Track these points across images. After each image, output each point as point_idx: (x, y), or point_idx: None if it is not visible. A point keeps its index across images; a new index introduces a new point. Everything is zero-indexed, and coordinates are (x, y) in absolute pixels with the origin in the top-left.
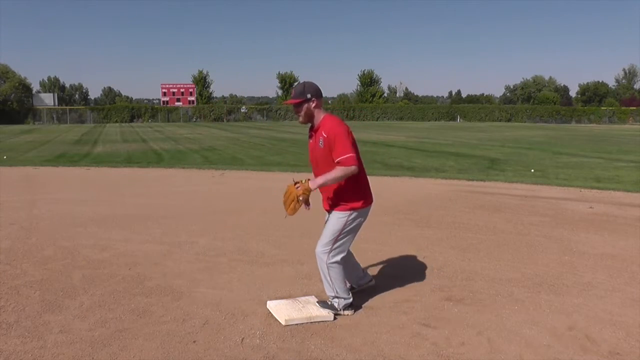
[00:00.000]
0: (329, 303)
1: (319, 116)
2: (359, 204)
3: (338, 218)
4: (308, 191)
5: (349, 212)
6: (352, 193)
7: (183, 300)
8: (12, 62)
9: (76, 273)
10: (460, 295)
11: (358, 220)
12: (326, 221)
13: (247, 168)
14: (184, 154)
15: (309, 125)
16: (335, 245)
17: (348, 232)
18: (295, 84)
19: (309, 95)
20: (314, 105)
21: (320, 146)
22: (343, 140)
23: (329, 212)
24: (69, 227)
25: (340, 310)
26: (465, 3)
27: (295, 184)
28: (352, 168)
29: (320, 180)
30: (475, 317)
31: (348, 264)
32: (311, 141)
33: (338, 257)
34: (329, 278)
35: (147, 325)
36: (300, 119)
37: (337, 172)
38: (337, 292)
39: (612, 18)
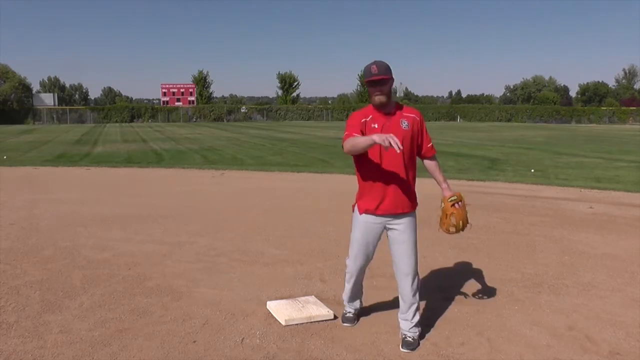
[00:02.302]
0: (413, 339)
1: (393, 100)
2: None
3: (415, 220)
4: (461, 197)
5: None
6: (414, 189)
7: (183, 300)
8: (12, 62)
9: (76, 273)
10: (460, 295)
11: None
12: (374, 232)
13: (247, 168)
14: (184, 154)
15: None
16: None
17: None
18: (369, 63)
19: (392, 75)
20: (392, 86)
21: (404, 128)
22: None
23: (394, 216)
24: (69, 227)
25: (419, 339)
26: (465, 3)
27: (453, 204)
28: None
29: (444, 178)
30: (475, 317)
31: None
32: (377, 126)
33: None
34: (417, 300)
35: (147, 325)
36: (384, 98)
37: (437, 162)
38: (419, 317)
39: (612, 18)
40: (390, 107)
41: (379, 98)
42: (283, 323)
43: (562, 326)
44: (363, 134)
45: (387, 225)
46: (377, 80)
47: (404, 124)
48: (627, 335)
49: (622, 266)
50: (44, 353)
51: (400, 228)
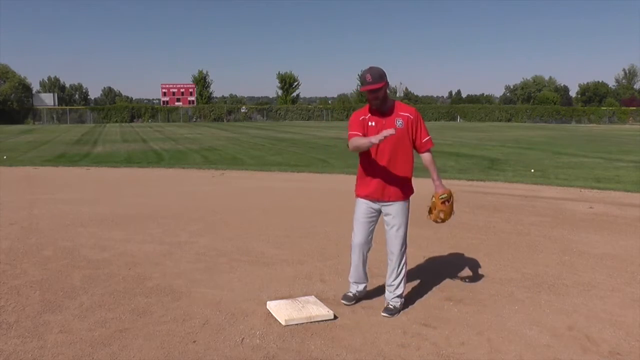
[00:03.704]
0: (393, 307)
1: (390, 100)
2: (412, 192)
3: (406, 208)
4: (450, 194)
5: (409, 200)
6: (410, 181)
7: (183, 300)
8: (12, 62)
9: (76, 273)
10: (460, 295)
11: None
12: (369, 215)
13: (247, 168)
14: (184, 154)
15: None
16: (407, 238)
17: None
18: (365, 70)
19: (386, 79)
20: (387, 89)
21: (399, 126)
22: (424, 123)
23: (384, 202)
24: (69, 227)
25: (400, 309)
26: (465, 3)
27: (444, 202)
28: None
29: (437, 175)
30: (475, 317)
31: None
32: (374, 124)
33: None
34: (402, 276)
35: (147, 325)
36: (378, 102)
37: (432, 157)
38: (403, 290)
39: (612, 18)
40: (386, 107)
41: (375, 103)
42: (283, 323)
43: (562, 326)
44: (364, 131)
45: (382, 210)
46: (371, 89)
47: (399, 123)
48: (627, 335)
49: (622, 266)
50: (44, 353)
51: (391, 214)
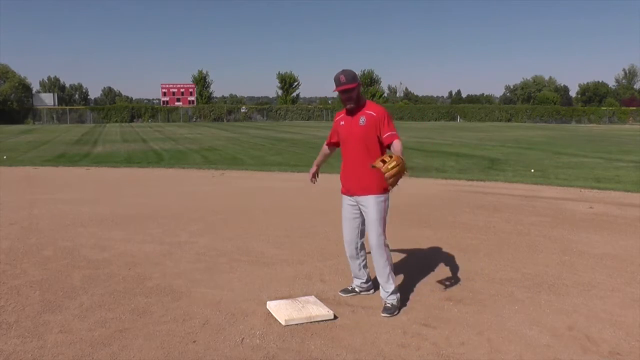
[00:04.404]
0: (390, 305)
1: (364, 100)
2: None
3: (380, 201)
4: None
5: (386, 194)
6: (382, 176)
7: (183, 300)
8: (12, 62)
9: (76, 273)
10: (460, 295)
11: (388, 202)
12: (351, 210)
13: (247, 168)
14: (184, 154)
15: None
16: (385, 231)
17: (386, 216)
18: (338, 72)
19: (359, 81)
20: (360, 90)
21: (361, 124)
22: (392, 121)
23: (359, 197)
24: (69, 227)
25: (399, 306)
26: (465, 3)
27: (399, 159)
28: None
29: (400, 151)
30: (475, 317)
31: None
32: (344, 123)
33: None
34: (388, 271)
35: (147, 325)
36: (352, 103)
37: (400, 144)
38: (394, 285)
39: (612, 18)
40: (358, 106)
41: (348, 104)
42: (283, 323)
43: (562, 326)
44: (336, 133)
45: (359, 205)
46: (345, 89)
47: (362, 120)
48: (627, 335)
49: (622, 266)
50: (44, 353)
51: (366, 208)
